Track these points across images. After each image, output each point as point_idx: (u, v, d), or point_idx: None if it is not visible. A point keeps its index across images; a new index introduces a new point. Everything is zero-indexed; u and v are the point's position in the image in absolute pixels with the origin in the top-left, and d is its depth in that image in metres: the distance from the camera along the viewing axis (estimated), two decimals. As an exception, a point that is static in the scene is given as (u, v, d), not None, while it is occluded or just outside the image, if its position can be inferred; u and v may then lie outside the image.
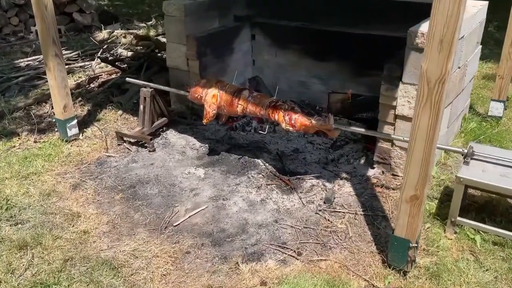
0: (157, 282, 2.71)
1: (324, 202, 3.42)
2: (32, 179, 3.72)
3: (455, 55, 2.18)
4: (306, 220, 3.24)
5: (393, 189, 3.53)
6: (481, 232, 2.99)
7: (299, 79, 5.01)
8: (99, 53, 6.46)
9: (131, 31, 8.08)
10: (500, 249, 2.88)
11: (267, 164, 3.92)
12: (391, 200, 3.41)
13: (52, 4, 3.84)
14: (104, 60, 6.01)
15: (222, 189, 3.61)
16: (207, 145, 4.25)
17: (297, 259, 2.87)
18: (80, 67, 6.27)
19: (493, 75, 6.01)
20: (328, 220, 3.23)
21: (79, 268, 2.79)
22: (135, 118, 4.76)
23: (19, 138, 4.40)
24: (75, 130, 4.33)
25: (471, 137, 4.21)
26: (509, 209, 3.21)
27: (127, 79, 4.54)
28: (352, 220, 3.22)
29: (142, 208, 3.40)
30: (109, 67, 6.01)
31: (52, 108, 4.60)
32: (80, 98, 5.20)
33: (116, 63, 5.98)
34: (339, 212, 3.31)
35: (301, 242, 3.01)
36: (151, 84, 4.27)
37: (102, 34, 7.97)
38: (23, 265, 2.81)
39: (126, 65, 6.03)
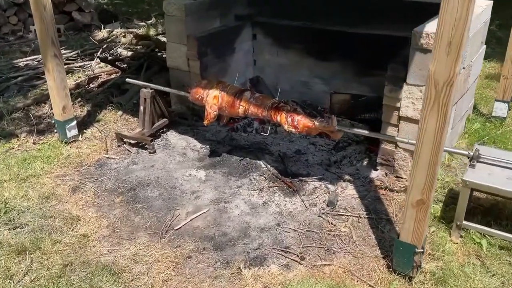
0: None
1: (327, 205, 3.38)
2: (31, 182, 3.67)
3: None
4: (309, 224, 3.19)
5: (397, 191, 3.48)
6: (487, 236, 2.94)
7: (300, 79, 4.96)
8: (99, 52, 6.40)
9: (130, 30, 8.02)
10: (506, 253, 2.83)
11: (269, 166, 3.87)
12: (395, 202, 3.36)
13: (51, 4, 3.79)
14: (103, 60, 5.95)
15: (224, 191, 3.56)
16: (208, 146, 4.20)
17: (301, 264, 2.82)
18: (80, 67, 6.22)
19: (496, 74, 5.97)
20: (332, 223, 3.19)
21: (78, 274, 2.75)
22: (135, 119, 4.71)
23: (18, 140, 4.35)
24: (74, 132, 4.28)
25: (475, 138, 4.16)
26: (515, 212, 3.17)
27: (127, 79, 4.49)
28: (356, 224, 3.17)
29: (143, 211, 3.35)
30: (109, 67, 5.96)
31: (51, 108, 4.55)
32: (79, 99, 5.15)
33: (116, 63, 5.93)
34: (343, 215, 3.27)
35: (304, 246, 2.97)
36: (151, 85, 4.22)
37: (102, 33, 7.92)
38: (22, 270, 2.76)
39: (126, 65, 5.98)
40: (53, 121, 4.38)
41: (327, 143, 4.21)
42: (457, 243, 2.93)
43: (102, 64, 6.07)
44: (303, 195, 3.51)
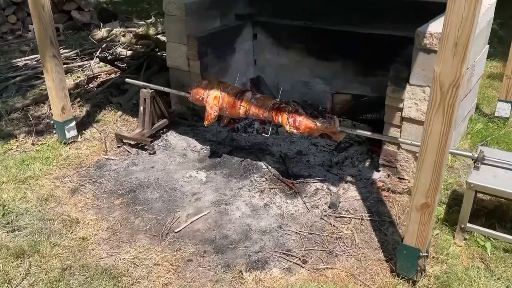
0: (159, 292, 2.63)
1: (329, 207, 3.34)
2: (29, 183, 3.63)
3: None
4: (311, 226, 3.16)
5: (399, 193, 3.45)
6: (491, 238, 2.90)
7: (301, 79, 4.92)
8: (98, 52, 6.36)
9: (130, 29, 7.98)
10: (511, 256, 2.80)
11: (270, 167, 3.83)
12: (398, 204, 3.33)
13: (49, 4, 3.74)
14: (103, 59, 5.91)
15: (224, 193, 3.52)
16: (208, 147, 4.16)
17: (303, 267, 2.78)
18: (79, 66, 6.17)
19: (498, 74, 5.93)
20: (334, 225, 3.15)
21: (77, 278, 2.71)
22: (135, 119, 4.67)
23: (16, 140, 4.31)
24: (73, 132, 4.24)
25: (478, 139, 4.12)
26: (520, 214, 3.13)
27: (126, 79, 4.44)
28: (358, 226, 3.13)
29: (143, 213, 3.31)
30: (108, 67, 5.91)
31: (50, 109, 4.51)
32: (78, 99, 5.11)
33: (115, 63, 5.89)
34: (345, 217, 3.23)
35: (306, 249, 2.93)
36: (151, 85, 4.18)
37: (101, 33, 7.88)
38: (20, 274, 2.72)
39: (125, 64, 5.93)
40: (52, 122, 4.34)
41: (329, 143, 4.17)
42: (461, 246, 2.90)
43: (101, 63, 6.03)
44: (305, 196, 3.47)
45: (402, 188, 3.51)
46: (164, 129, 4.42)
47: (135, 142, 4.19)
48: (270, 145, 4.18)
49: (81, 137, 4.33)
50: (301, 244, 2.98)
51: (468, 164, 3.76)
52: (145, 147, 4.11)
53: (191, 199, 3.46)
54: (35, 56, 6.35)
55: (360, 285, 2.63)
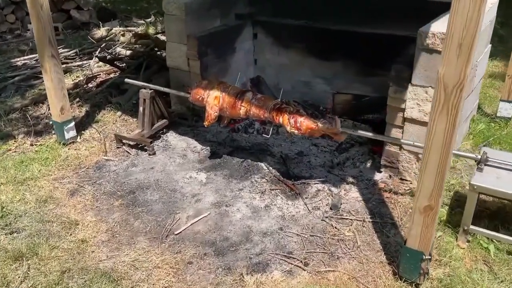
0: (159, 295, 2.60)
1: (331, 208, 3.31)
2: (28, 185, 3.60)
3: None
4: (312, 228, 3.13)
5: (401, 194, 3.42)
6: (494, 240, 2.88)
7: (302, 79, 4.89)
8: (97, 52, 6.32)
9: (129, 28, 7.94)
10: (514, 258, 2.77)
11: (270, 168, 3.80)
12: (400, 206, 3.30)
13: (48, 3, 3.71)
14: (102, 59, 5.87)
15: (225, 194, 3.49)
16: (208, 147, 4.13)
17: (304, 270, 2.75)
18: (78, 66, 6.14)
19: (500, 73, 5.90)
20: (335, 227, 3.12)
21: (77, 281, 2.68)
22: (135, 119, 4.64)
23: (15, 141, 4.28)
24: (72, 133, 4.21)
25: (480, 139, 4.09)
26: (523, 216, 3.11)
27: (125, 80, 4.41)
28: (360, 228, 3.11)
29: (142, 215, 3.28)
30: (108, 66, 5.88)
31: (49, 109, 4.47)
32: (78, 99, 5.08)
33: (115, 62, 5.85)
34: (346, 219, 3.20)
35: (308, 252, 2.90)
36: (151, 85, 4.14)
37: (100, 32, 7.84)
38: (19, 277, 2.69)
39: (124, 64, 5.90)
40: (50, 122, 4.30)
41: (330, 144, 4.14)
42: (464, 248, 2.87)
43: (100, 63, 5.99)
44: (306, 198, 3.45)
45: (404, 189, 3.48)
46: (164, 130, 4.39)
47: (135, 142, 4.15)
48: (271, 146, 4.15)
49: (80, 138, 4.30)
50: (302, 246, 2.95)
51: (470, 165, 3.73)
52: (145, 147, 4.08)
53: (191, 201, 3.43)
54: (34, 55, 6.32)
55: (363, 288, 2.61)
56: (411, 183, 3.52)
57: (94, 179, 3.71)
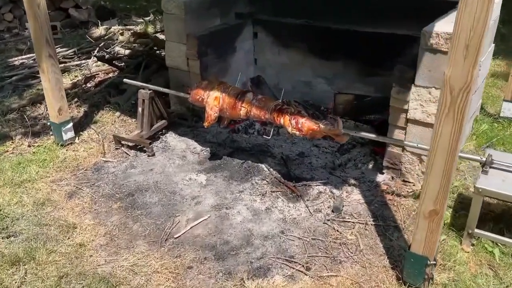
0: (158, 301, 2.55)
1: (333, 211, 3.26)
2: (25, 187, 3.55)
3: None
4: (314, 231, 3.08)
5: (404, 196, 3.37)
6: (499, 244, 2.83)
7: (303, 78, 4.83)
8: (96, 51, 6.26)
9: (128, 27, 7.88)
10: (520, 263, 2.73)
11: (271, 169, 3.75)
12: (403, 208, 3.25)
13: (45, 3, 3.65)
14: (100, 58, 5.82)
15: (225, 196, 3.44)
16: (208, 148, 4.08)
17: (306, 275, 2.70)
18: (77, 65, 6.08)
19: (502, 72, 5.85)
20: (337, 231, 3.07)
21: (74, 286, 2.63)
22: (134, 119, 4.58)
23: (12, 142, 4.22)
24: (70, 134, 4.15)
25: (483, 140, 4.04)
26: (528, 218, 3.06)
27: (124, 80, 4.35)
28: (363, 231, 3.06)
29: (141, 218, 3.23)
30: (106, 66, 5.82)
31: (47, 109, 4.41)
32: (76, 99, 5.02)
33: (114, 62, 5.79)
34: (349, 221, 3.15)
35: (310, 256, 2.85)
36: (150, 86, 4.08)
37: (99, 30, 7.78)
38: (16, 282, 2.64)
39: (123, 63, 5.84)
40: (48, 123, 4.24)
41: (331, 145, 4.09)
42: (468, 252, 2.82)
43: (99, 62, 5.93)
44: (307, 200, 3.40)
45: (407, 191, 3.43)
46: (163, 130, 4.33)
47: (134, 143, 4.10)
48: (271, 147, 4.10)
49: (78, 139, 4.25)
50: (304, 250, 2.90)
51: (474, 166, 3.68)
52: (144, 149, 4.03)
53: (191, 203, 3.38)
54: (32, 55, 6.26)
55: (366, 294, 2.56)
56: (414, 185, 3.48)
57: (93, 181, 3.65)
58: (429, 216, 2.30)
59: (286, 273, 2.72)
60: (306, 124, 3.22)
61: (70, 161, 3.90)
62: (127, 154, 4.03)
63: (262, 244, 2.96)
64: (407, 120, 3.34)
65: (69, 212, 3.28)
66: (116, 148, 4.11)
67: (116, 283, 2.63)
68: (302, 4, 4.58)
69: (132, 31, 7.27)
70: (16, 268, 2.75)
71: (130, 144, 4.11)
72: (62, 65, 5.95)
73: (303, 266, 2.77)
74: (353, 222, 3.14)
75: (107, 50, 6.38)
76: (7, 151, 4.07)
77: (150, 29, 7.71)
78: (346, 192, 3.47)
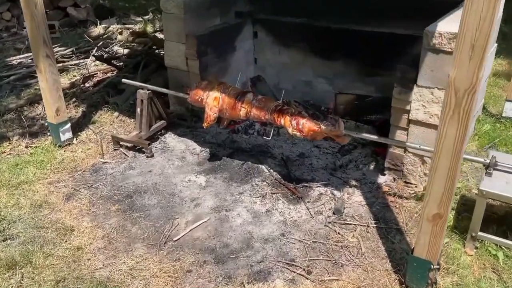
0: (157, 305, 2.51)
1: (334, 213, 3.22)
2: (23, 189, 3.50)
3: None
4: (315, 234, 3.03)
5: (406, 198, 3.33)
6: (503, 247, 2.79)
7: (303, 78, 4.78)
8: (94, 50, 6.21)
9: (127, 26, 7.83)
10: (524, 266, 2.68)
11: (271, 171, 3.71)
12: (405, 210, 3.20)
13: (42, 2, 3.59)
14: (99, 58, 5.76)
15: (225, 198, 3.40)
16: (208, 149, 4.03)
17: (307, 279, 2.66)
18: (75, 65, 6.03)
19: (504, 71, 5.81)
20: (339, 233, 3.03)
21: (72, 291, 2.59)
22: (132, 120, 4.54)
23: (9, 143, 4.18)
24: (68, 135, 4.11)
25: (486, 140, 4.00)
26: (532, 221, 3.01)
27: (122, 80, 4.30)
28: (364, 234, 3.01)
29: (140, 220, 3.18)
30: (105, 65, 5.77)
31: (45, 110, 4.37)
32: (74, 99, 4.97)
33: (112, 61, 5.74)
34: (350, 224, 3.11)
35: (311, 259, 2.81)
36: (149, 86, 4.03)
37: (98, 29, 7.73)
38: (12, 287, 2.60)
39: (122, 63, 5.79)
40: (46, 124, 4.19)
41: (332, 146, 4.04)
42: (471, 255, 2.78)
43: (98, 62, 5.88)
44: (308, 202, 3.35)
45: (409, 193, 3.39)
46: (162, 131, 4.29)
47: (132, 144, 4.05)
48: (272, 147, 4.05)
49: (76, 140, 4.20)
50: (305, 253, 2.85)
51: (476, 167, 3.64)
52: (143, 149, 3.98)
53: (190, 205, 3.33)
54: (30, 54, 6.18)
55: (368, 298, 2.52)
56: (416, 186, 3.43)
57: (91, 182, 3.61)
58: (433, 220, 2.25)
59: (286, 277, 2.67)
60: (307, 125, 3.17)
61: (68, 162, 3.86)
62: (126, 155, 3.99)
63: (263, 247, 2.92)
64: (409, 121, 3.29)
65: (66, 215, 3.23)
66: (115, 149, 4.06)
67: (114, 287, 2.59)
68: (303, 3, 4.53)
69: (131, 30, 7.21)
70: (13, 272, 2.70)
71: (129, 145, 4.07)
72: (61, 64, 5.90)
73: (304, 269, 2.72)
74: (354, 225, 3.09)
75: (106, 50, 6.33)
76: (4, 152, 4.03)
77: (149, 28, 7.65)
78: (347, 194, 3.43)
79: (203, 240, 2.99)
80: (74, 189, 3.52)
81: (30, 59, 6.12)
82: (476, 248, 2.81)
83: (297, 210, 3.27)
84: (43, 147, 4.07)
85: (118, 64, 5.74)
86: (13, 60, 6.21)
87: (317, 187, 3.50)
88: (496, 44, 4.16)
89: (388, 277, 2.64)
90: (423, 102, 3.16)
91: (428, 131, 3.22)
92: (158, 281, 2.65)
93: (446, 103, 2.02)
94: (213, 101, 3.54)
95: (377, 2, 4.06)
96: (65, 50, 6.43)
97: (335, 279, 2.64)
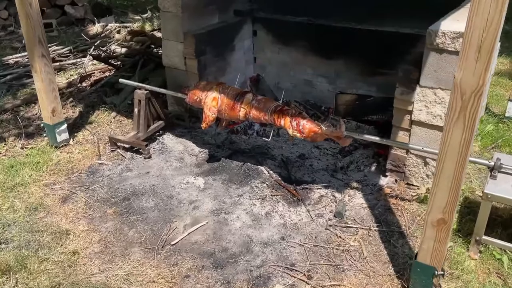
0: (154, 312, 2.45)
1: (335, 216, 3.16)
2: (18, 191, 3.44)
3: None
4: (315, 237, 2.97)
5: (408, 200, 3.27)
6: (508, 251, 2.73)
7: (303, 77, 4.72)
8: (92, 49, 6.14)
9: (125, 24, 7.75)
10: (530, 271, 2.63)
11: (271, 172, 3.65)
12: (407, 213, 3.15)
13: (37, 1, 3.52)
14: (96, 57, 5.69)
15: (224, 201, 3.34)
16: (206, 150, 3.97)
17: (308, 284, 2.60)
18: (72, 64, 5.97)
19: (506, 71, 5.75)
20: (340, 237, 2.97)
21: (67, 297, 2.53)
22: (130, 120, 4.47)
23: (5, 144, 4.11)
24: (65, 135, 4.04)
25: (489, 141, 3.94)
26: (537, 224, 2.96)
27: (119, 80, 4.23)
28: (366, 237, 2.95)
29: (137, 223, 3.12)
30: (102, 64, 5.70)
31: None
32: (71, 99, 4.91)
33: (109, 61, 5.67)
34: (351, 227, 3.05)
35: (311, 263, 2.75)
36: (146, 86, 3.96)
37: (95, 28, 7.66)
38: (6, 293, 2.54)
39: (119, 62, 5.72)
40: (42, 125, 4.13)
41: (332, 146, 3.98)
42: (476, 260, 2.72)
43: (95, 61, 5.81)
44: (309, 204, 3.29)
45: (411, 195, 3.33)
46: (160, 131, 4.22)
47: (130, 145, 3.99)
48: (271, 148, 3.99)
49: (73, 140, 4.14)
50: (305, 258, 2.80)
51: (479, 168, 3.59)
52: (140, 151, 3.92)
53: (188, 208, 3.27)
54: (27, 53, 6.12)
55: (370, 305, 2.46)
56: (418, 188, 3.38)
57: (87, 184, 3.55)
58: (437, 225, 2.19)
59: (287, 282, 2.62)
60: (308, 126, 3.11)
61: (64, 164, 3.79)
62: (123, 156, 3.93)
63: (262, 251, 2.86)
64: (412, 122, 3.23)
65: (62, 218, 3.17)
66: (112, 150, 4.00)
67: (110, 294, 2.53)
68: (303, 1, 4.46)
69: (128, 29, 7.14)
70: (7, 278, 2.64)
71: (126, 145, 4.00)
72: (58, 63, 5.84)
73: (304, 274, 2.67)
74: (356, 228, 3.04)
75: (103, 49, 6.26)
76: (0, 153, 3.96)
77: (148, 27, 7.58)
78: (349, 196, 3.37)
79: (201, 244, 2.93)
80: (70, 191, 3.46)
81: (27, 58, 6.04)
82: (480, 252, 2.76)
83: (297, 213, 3.21)
84: (39, 148, 4.01)
85: (115, 63, 5.67)
86: (10, 59, 6.14)
87: (317, 189, 3.44)
88: (500, 43, 4.09)
89: (391, 282, 2.59)
90: (426, 102, 3.10)
91: (430, 132, 3.17)
92: (155, 286, 2.59)
93: (451, 106, 1.96)
94: (211, 102, 3.47)
95: (379, 0, 4.00)
96: (62, 49, 6.36)
97: (336, 285, 2.59)
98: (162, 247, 2.90)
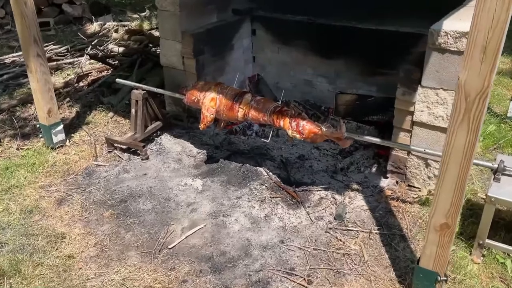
0: (150, 318, 2.40)
1: (335, 218, 3.11)
2: (13, 193, 3.38)
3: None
4: (315, 240, 2.92)
5: (410, 203, 3.22)
6: (511, 255, 2.68)
7: (303, 77, 4.66)
8: (89, 48, 6.08)
9: (123, 23, 7.69)
10: (534, 275, 2.58)
11: (270, 173, 3.59)
12: (409, 216, 3.10)
13: (32, 0, 3.46)
14: (93, 57, 5.63)
15: (222, 203, 3.28)
16: (205, 151, 3.92)
17: (308, 289, 2.55)
18: (70, 63, 5.90)
19: (507, 70, 5.70)
20: (340, 240, 2.92)
21: (61, 303, 2.48)
22: (127, 120, 4.41)
23: (0, 145, 4.05)
24: (61, 136, 3.98)
25: (491, 142, 3.89)
26: (540, 227, 2.91)
27: (116, 80, 4.17)
28: (367, 240, 2.90)
29: (134, 226, 3.07)
30: (100, 64, 5.64)
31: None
32: (68, 99, 4.85)
33: (107, 60, 5.61)
34: (352, 230, 3.00)
35: (311, 268, 2.70)
36: (143, 86, 3.91)
37: (93, 27, 7.60)
38: (-1, 298, 2.49)
39: (117, 61, 5.66)
40: (38, 126, 4.07)
41: (332, 147, 3.93)
42: (478, 263, 2.67)
43: (92, 60, 5.75)
44: (308, 206, 3.24)
45: (412, 197, 3.28)
46: (158, 132, 4.17)
47: (127, 146, 3.93)
48: (271, 149, 3.94)
49: (69, 141, 4.08)
50: (305, 262, 2.74)
51: (482, 169, 3.54)
52: (138, 152, 3.86)
53: (186, 210, 3.22)
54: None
55: (371, 310, 2.41)
56: (419, 190, 3.33)
57: (83, 186, 3.49)
58: (441, 230, 2.14)
59: (286, 287, 2.56)
60: (307, 127, 3.05)
61: (60, 165, 3.74)
62: (120, 157, 3.87)
63: (261, 255, 2.81)
64: (413, 123, 3.18)
65: (58, 221, 3.12)
66: (109, 151, 3.94)
67: (106, 299, 2.48)
68: (303, 0, 4.40)
69: (126, 28, 7.08)
70: (0, 283, 2.59)
71: (123, 146, 3.95)
72: (55, 63, 5.78)
73: (304, 279, 2.61)
74: (356, 231, 2.98)
75: (101, 48, 6.19)
76: (-5, 155, 3.91)
77: (146, 25, 7.52)
78: (349, 198, 3.32)
79: (199, 247, 2.88)
80: (66, 193, 3.40)
81: (23, 58, 5.98)
82: (483, 256, 2.71)
83: (297, 215, 3.16)
84: (35, 149, 3.95)
85: (113, 63, 5.61)
86: (6, 58, 6.07)
87: (317, 190, 3.39)
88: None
89: (393, 287, 2.53)
90: (428, 103, 3.05)
91: (432, 133, 3.12)
92: (152, 292, 2.54)
93: (455, 108, 1.90)
94: (209, 102, 3.42)
95: (379, -1, 3.95)
96: (60, 48, 6.30)
97: (337, 290, 2.54)
98: (159, 251, 2.85)
